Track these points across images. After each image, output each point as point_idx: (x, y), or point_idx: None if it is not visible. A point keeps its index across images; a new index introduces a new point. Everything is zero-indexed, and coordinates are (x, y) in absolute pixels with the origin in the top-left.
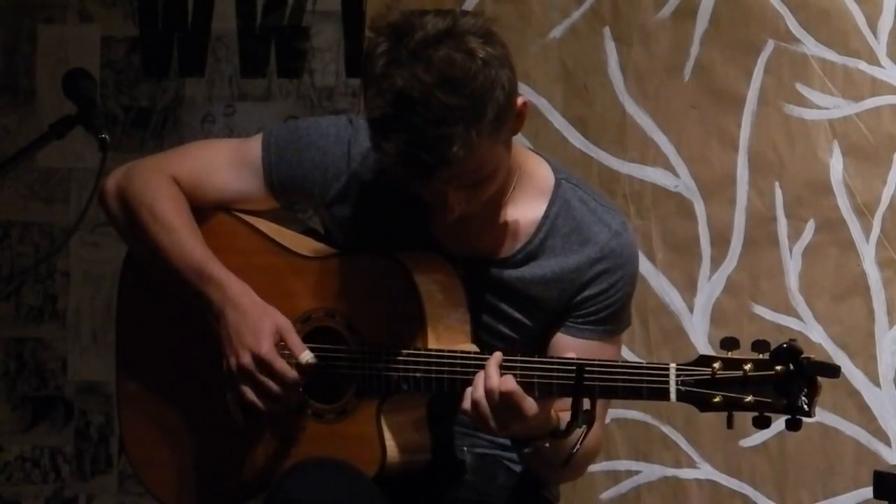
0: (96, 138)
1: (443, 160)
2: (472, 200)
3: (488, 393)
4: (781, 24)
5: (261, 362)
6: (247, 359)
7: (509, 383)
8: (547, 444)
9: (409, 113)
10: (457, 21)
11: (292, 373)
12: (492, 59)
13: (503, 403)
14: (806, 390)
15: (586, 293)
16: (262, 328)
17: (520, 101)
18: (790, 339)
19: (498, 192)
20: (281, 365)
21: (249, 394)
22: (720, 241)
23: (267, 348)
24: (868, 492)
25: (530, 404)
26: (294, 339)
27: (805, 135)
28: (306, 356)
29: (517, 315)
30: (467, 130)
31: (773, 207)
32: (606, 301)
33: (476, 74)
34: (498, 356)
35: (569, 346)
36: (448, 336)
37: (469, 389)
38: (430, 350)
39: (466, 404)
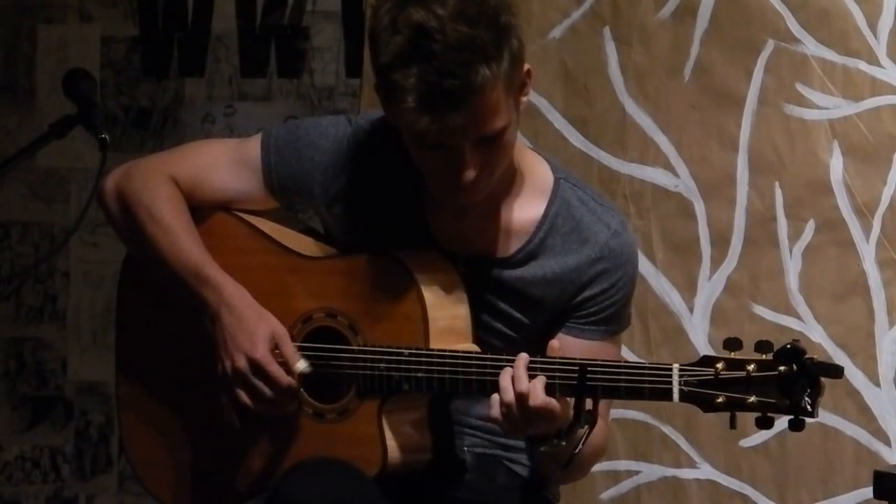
0: (96, 138)
1: (465, 88)
2: (485, 169)
3: (520, 396)
4: (781, 24)
5: (255, 366)
6: (241, 362)
7: (540, 385)
8: (563, 443)
9: (428, 41)
10: None
11: (286, 378)
12: (503, 5)
13: (536, 407)
14: (809, 391)
15: (587, 293)
16: (258, 332)
17: (525, 66)
18: (794, 340)
19: (497, 188)
20: (275, 370)
21: (244, 397)
22: (720, 241)
23: (261, 353)
24: (868, 492)
25: (555, 403)
26: (289, 348)
27: (805, 135)
28: (301, 365)
29: (517, 315)
30: (487, 62)
31: (773, 207)
32: (607, 301)
33: (490, 13)
34: (525, 358)
35: (571, 346)
36: (449, 336)
37: (495, 397)
38: (432, 350)
39: (495, 411)
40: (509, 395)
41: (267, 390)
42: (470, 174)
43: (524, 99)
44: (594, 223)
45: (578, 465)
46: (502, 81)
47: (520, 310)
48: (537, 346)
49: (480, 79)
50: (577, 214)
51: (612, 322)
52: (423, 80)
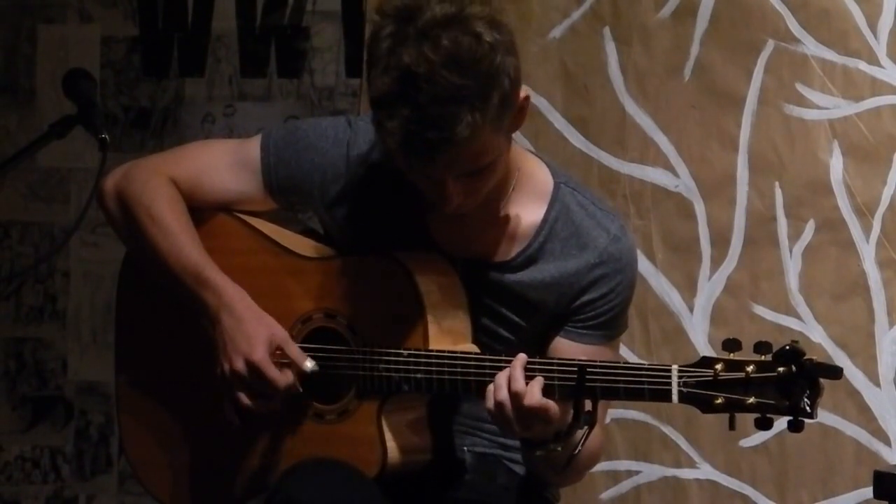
0: (96, 138)
1: (446, 140)
2: (471, 194)
3: (514, 396)
4: (781, 24)
5: (253, 369)
6: (240, 365)
7: (538, 386)
8: (559, 448)
9: (414, 90)
10: (464, 6)
11: (284, 380)
12: (498, 44)
13: (531, 407)
14: (808, 392)
15: (585, 298)
16: (257, 335)
17: (522, 94)
18: (792, 341)
19: (497, 192)
20: (273, 373)
21: (244, 399)
22: (720, 241)
23: (260, 355)
24: (868, 492)
25: (554, 406)
26: (293, 350)
27: (805, 135)
28: (308, 364)
29: (515, 318)
30: (472, 112)
31: (773, 207)
32: (605, 306)
33: (482, 58)
34: (523, 358)
35: (568, 350)
36: (448, 336)
37: (490, 389)
38: (431, 351)
39: (490, 404)
40: (502, 394)
41: (266, 392)
42: (455, 200)
43: (521, 121)
44: (593, 228)
45: (574, 468)
46: (489, 126)
47: (518, 313)
48: (536, 349)
49: (463, 129)
50: (577, 219)
51: (609, 327)
52: (406, 128)
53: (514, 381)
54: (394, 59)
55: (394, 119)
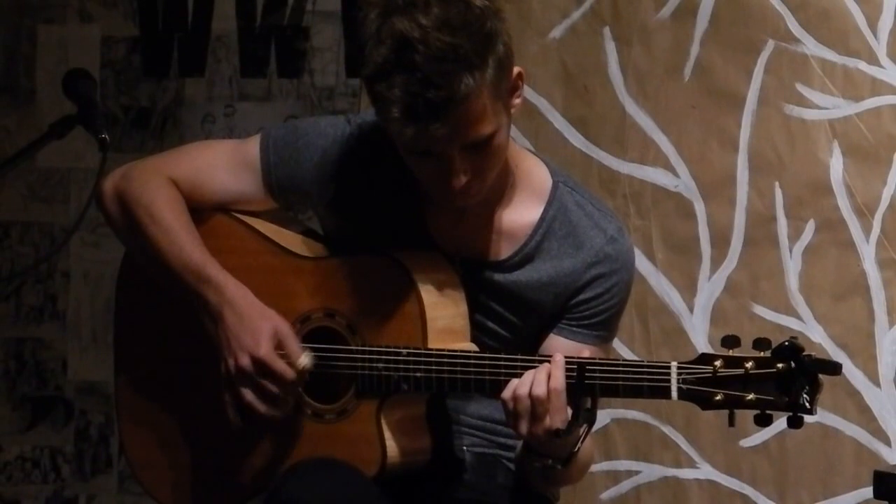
0: (96, 138)
1: (447, 98)
2: (476, 175)
3: (553, 392)
4: (781, 24)
5: (259, 364)
6: (245, 361)
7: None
8: (559, 467)
9: (410, 53)
10: None
11: (291, 373)
12: (488, 10)
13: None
14: (807, 388)
15: (581, 297)
16: (261, 330)
17: (516, 70)
18: (791, 337)
19: (495, 190)
20: (280, 366)
21: (248, 395)
22: (720, 241)
23: (265, 350)
24: (868, 492)
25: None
26: (292, 344)
27: (805, 135)
28: (304, 360)
29: (511, 317)
30: (470, 71)
31: (773, 207)
32: (601, 306)
33: (473, 21)
34: (560, 359)
35: (560, 347)
36: (447, 335)
37: (524, 384)
38: (430, 349)
39: (507, 394)
40: (542, 388)
41: (272, 387)
42: (460, 180)
43: (516, 101)
44: (590, 228)
45: (570, 470)
46: (488, 89)
47: (514, 312)
48: (531, 347)
49: (464, 88)
50: (574, 219)
51: (603, 328)
52: (407, 92)
53: (553, 380)
54: (386, 30)
55: (393, 87)
